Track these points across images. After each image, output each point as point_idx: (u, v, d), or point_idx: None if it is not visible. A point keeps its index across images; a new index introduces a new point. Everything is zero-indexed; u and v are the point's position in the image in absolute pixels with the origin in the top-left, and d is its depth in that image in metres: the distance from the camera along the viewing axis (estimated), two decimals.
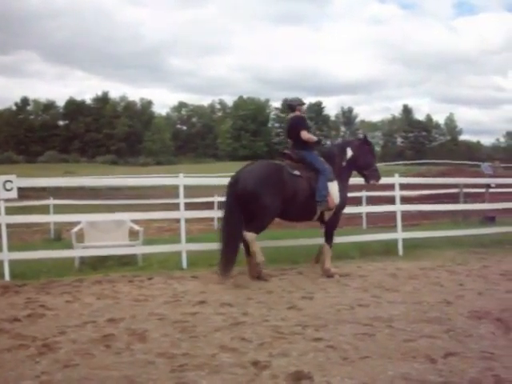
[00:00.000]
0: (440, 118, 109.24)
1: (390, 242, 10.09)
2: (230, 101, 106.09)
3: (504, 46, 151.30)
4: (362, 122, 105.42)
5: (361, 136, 8.58)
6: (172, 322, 5.60)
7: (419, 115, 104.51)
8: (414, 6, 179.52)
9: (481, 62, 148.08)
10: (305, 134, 7.97)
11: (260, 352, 4.66)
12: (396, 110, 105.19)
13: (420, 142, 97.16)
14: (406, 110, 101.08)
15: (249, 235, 7.48)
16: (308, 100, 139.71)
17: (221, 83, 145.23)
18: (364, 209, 14.45)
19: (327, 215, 8.03)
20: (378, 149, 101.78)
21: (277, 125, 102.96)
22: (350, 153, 8.21)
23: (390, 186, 10.59)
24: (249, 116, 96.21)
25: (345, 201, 8.12)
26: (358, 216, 15.80)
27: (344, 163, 8.18)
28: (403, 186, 10.49)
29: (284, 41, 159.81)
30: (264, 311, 6.00)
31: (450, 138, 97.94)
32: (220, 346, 4.83)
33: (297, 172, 7.78)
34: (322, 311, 5.98)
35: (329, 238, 8.19)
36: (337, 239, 9.33)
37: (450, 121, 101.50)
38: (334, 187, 7.90)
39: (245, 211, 7.48)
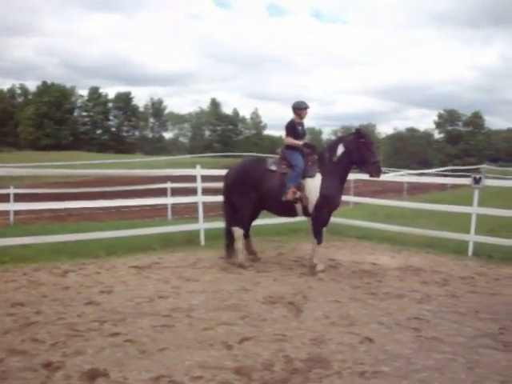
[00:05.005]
0: (246, 113, 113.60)
1: (193, 232, 10.25)
2: (34, 86, 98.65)
3: (308, 48, 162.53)
4: (171, 113, 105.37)
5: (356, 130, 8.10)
6: None
7: (227, 109, 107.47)
8: (229, 4, 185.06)
9: (288, 62, 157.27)
10: (286, 140, 8.26)
11: (53, 352, 4.46)
12: (205, 104, 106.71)
13: (227, 135, 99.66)
14: (214, 104, 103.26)
15: (236, 231, 8.22)
16: (117, 89, 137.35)
17: (25, 67, 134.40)
18: (169, 200, 14.49)
19: (310, 210, 7.98)
20: (185, 141, 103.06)
21: (84, 113, 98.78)
22: (341, 149, 8.01)
23: (193, 178, 10.70)
24: (53, 103, 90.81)
25: (330, 197, 7.91)
26: (165, 207, 15.88)
27: (334, 159, 8.00)
28: (206, 178, 10.65)
29: (97, 27, 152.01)
30: (59, 309, 5.73)
31: (255, 132, 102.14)
32: (9, 349, 4.52)
33: (273, 167, 8.12)
34: (120, 305, 5.90)
35: (316, 234, 8.01)
36: (140, 231, 9.25)
37: (256, 115, 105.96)
38: (313, 183, 7.88)
39: (232, 202, 8.27)
